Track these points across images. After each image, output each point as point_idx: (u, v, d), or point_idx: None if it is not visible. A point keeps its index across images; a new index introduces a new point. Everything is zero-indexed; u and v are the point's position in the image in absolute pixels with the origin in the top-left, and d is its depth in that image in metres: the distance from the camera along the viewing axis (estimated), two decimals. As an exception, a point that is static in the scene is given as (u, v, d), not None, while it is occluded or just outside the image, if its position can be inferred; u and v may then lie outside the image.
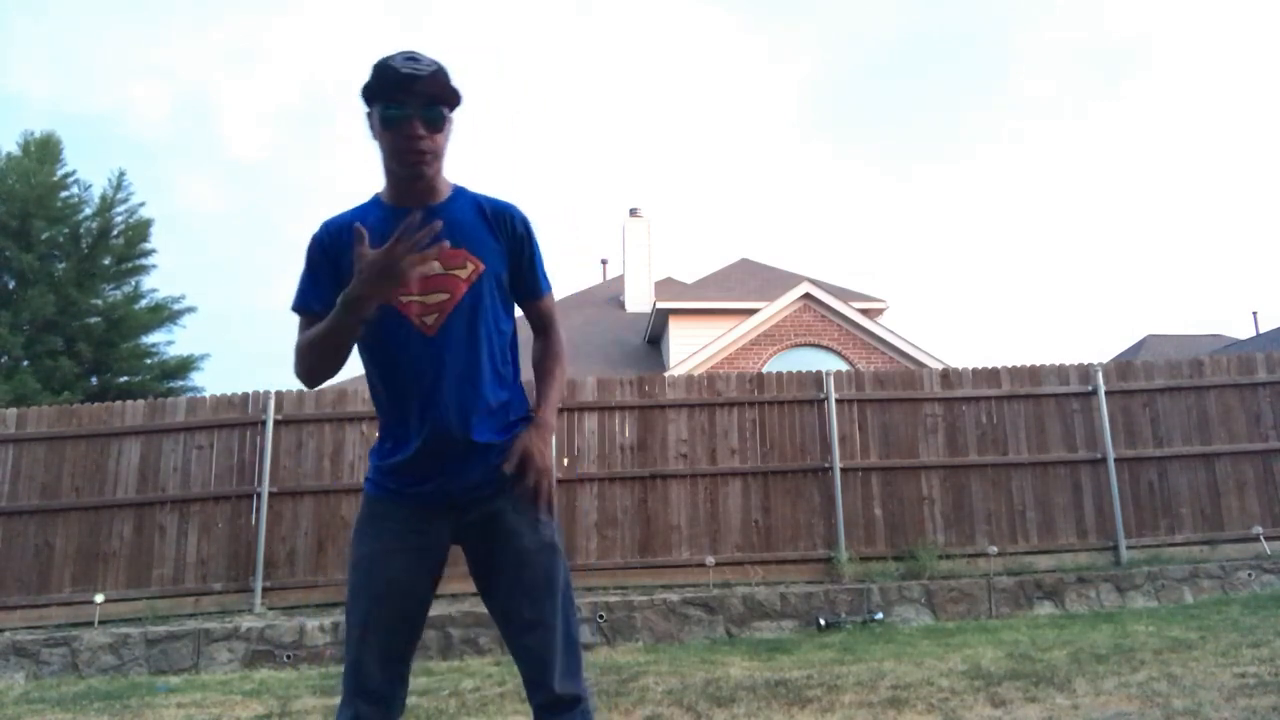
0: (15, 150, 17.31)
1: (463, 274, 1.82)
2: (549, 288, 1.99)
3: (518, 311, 1.98)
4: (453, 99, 1.81)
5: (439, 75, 1.78)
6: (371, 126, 1.82)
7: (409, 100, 1.74)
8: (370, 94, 1.79)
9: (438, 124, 1.79)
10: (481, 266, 1.84)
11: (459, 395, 1.81)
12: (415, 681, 5.43)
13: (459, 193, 1.91)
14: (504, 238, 1.89)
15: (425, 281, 1.80)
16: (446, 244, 1.73)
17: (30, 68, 41.84)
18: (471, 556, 1.87)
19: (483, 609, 2.04)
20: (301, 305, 1.86)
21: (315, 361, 1.80)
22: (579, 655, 1.82)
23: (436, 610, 6.84)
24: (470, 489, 1.82)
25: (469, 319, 1.83)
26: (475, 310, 1.83)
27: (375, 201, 1.90)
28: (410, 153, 1.78)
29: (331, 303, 1.74)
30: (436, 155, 1.82)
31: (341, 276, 1.76)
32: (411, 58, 1.77)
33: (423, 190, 1.85)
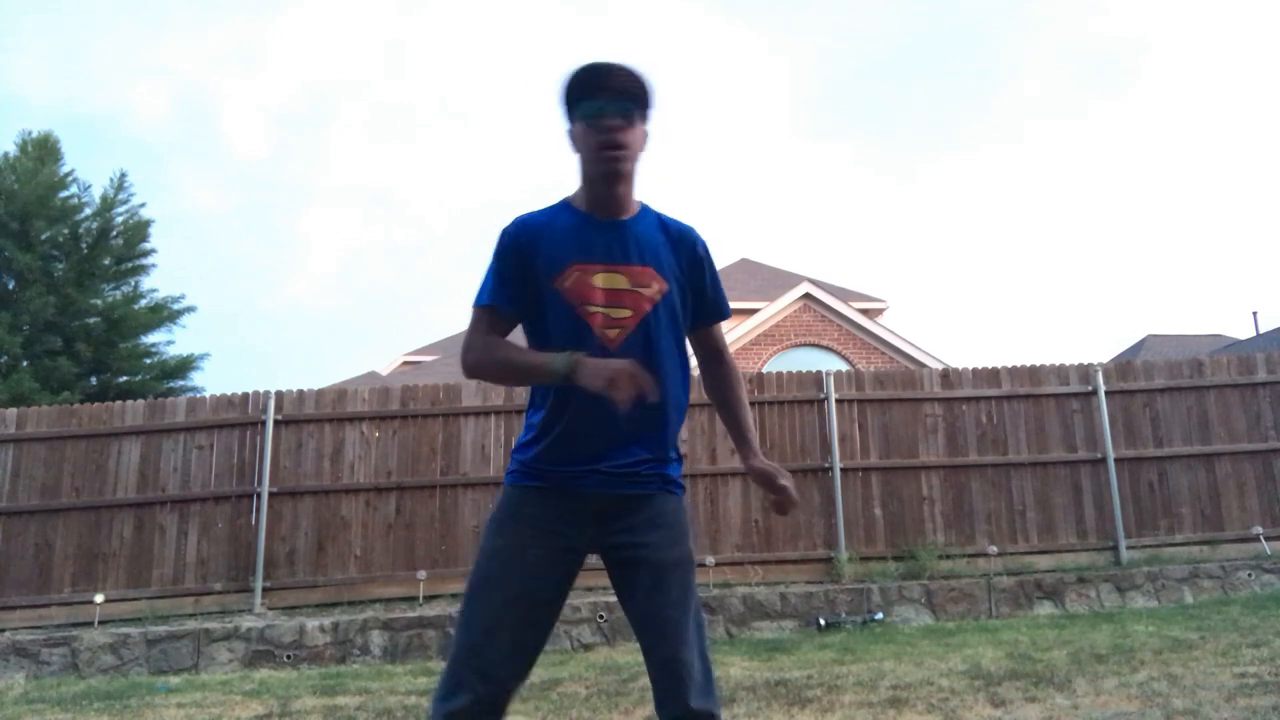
0: (14, 150, 17.31)
1: (648, 292, 1.83)
2: (725, 315, 1.99)
3: None
4: (647, 99, 1.83)
5: (634, 73, 1.81)
6: (571, 136, 1.85)
7: (606, 94, 1.77)
8: (570, 97, 1.81)
9: (632, 117, 1.80)
10: (666, 286, 1.85)
11: (633, 413, 1.76)
12: (416, 681, 5.44)
13: (645, 210, 1.92)
14: (685, 259, 1.89)
15: (611, 295, 1.81)
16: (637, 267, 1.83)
17: (31, 68, 41.84)
18: (613, 566, 1.84)
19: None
20: (488, 301, 1.85)
21: (499, 378, 1.96)
22: (713, 673, 1.79)
23: (438, 610, 6.86)
24: (620, 500, 1.82)
25: (650, 336, 1.83)
26: (657, 329, 1.84)
27: (564, 205, 1.90)
28: (608, 146, 1.78)
29: (517, 302, 1.83)
30: (632, 154, 1.82)
31: (529, 274, 1.81)
32: (610, 61, 1.82)
33: (618, 198, 1.85)
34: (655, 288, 1.83)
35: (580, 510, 1.81)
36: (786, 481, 1.93)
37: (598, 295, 1.80)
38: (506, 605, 1.74)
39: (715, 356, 2.02)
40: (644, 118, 1.83)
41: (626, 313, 1.81)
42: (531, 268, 1.82)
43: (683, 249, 1.90)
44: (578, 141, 1.83)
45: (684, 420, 1.96)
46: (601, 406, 1.72)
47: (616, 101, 1.78)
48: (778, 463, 8.67)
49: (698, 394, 8.26)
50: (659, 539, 1.80)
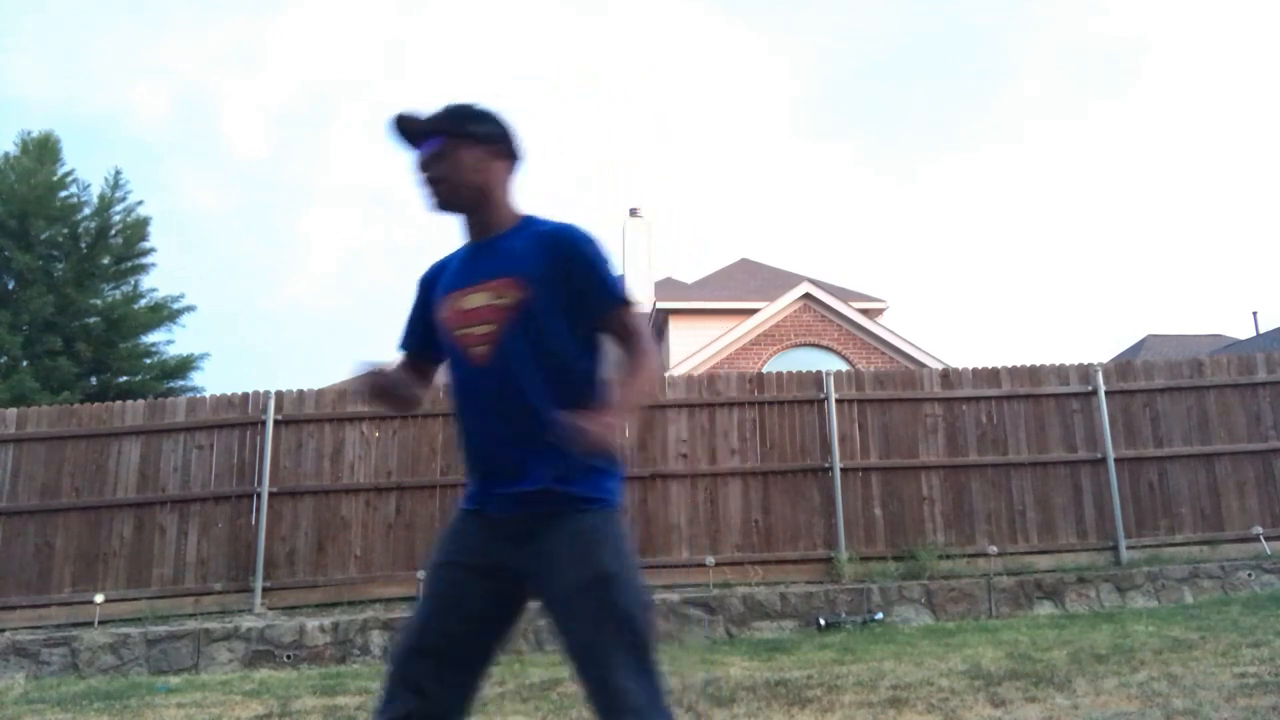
0: (14, 150, 17.32)
1: (504, 303, 1.82)
2: (617, 302, 1.85)
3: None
4: (449, 126, 1.86)
5: (431, 113, 1.88)
6: None
7: (410, 139, 1.88)
8: (403, 148, 1.92)
9: (436, 153, 1.86)
10: (527, 294, 1.81)
11: (509, 426, 1.79)
12: (415, 681, 5.43)
13: (523, 222, 1.93)
14: (555, 260, 1.84)
15: (474, 314, 1.84)
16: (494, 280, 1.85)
17: (31, 68, 41.85)
18: (532, 594, 1.81)
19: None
20: (401, 345, 2.06)
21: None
22: (660, 689, 1.67)
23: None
24: (523, 520, 1.77)
25: (515, 348, 1.80)
26: (520, 339, 1.80)
27: (464, 244, 2.01)
28: (423, 185, 1.88)
29: (417, 343, 2.02)
30: (450, 185, 1.86)
31: (429, 315, 1.95)
32: (406, 109, 1.91)
33: (478, 224, 1.92)
34: (513, 297, 1.81)
35: (495, 532, 1.80)
36: (589, 424, 1.61)
37: (463, 318, 1.85)
38: (432, 621, 1.77)
39: (622, 344, 1.89)
40: (450, 143, 1.86)
41: (489, 328, 1.82)
42: (429, 308, 1.97)
43: (550, 250, 1.85)
44: None
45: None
46: (475, 426, 1.82)
47: (418, 144, 1.88)
48: (777, 462, 8.47)
49: (698, 394, 8.16)
50: (565, 562, 1.71)
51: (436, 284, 1.97)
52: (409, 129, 1.88)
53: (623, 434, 1.70)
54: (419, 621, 1.78)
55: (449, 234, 2.00)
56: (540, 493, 1.76)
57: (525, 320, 1.80)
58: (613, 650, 1.64)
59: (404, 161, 1.92)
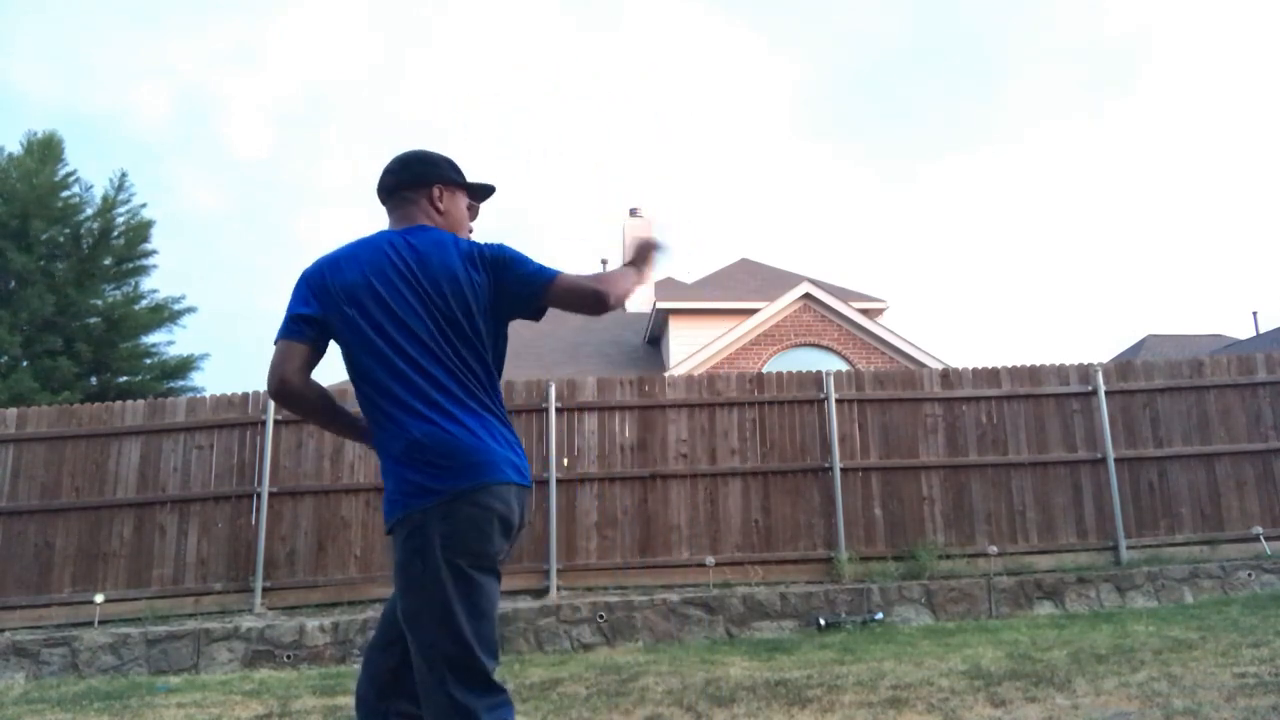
0: (17, 150, 17.29)
1: None
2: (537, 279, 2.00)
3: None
4: (384, 184, 2.11)
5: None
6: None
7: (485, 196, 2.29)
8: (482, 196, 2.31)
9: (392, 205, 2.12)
10: None
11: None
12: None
13: None
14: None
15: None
16: None
17: (32, 68, 41.85)
18: None
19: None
20: None
21: None
22: (440, 693, 1.73)
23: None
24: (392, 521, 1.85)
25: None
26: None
27: None
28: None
29: None
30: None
31: None
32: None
33: None
34: None
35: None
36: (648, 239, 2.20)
37: None
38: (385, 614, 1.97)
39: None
40: (392, 195, 2.13)
41: None
42: None
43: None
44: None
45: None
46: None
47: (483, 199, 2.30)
48: (777, 462, 8.55)
49: (698, 394, 8.14)
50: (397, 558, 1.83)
51: None
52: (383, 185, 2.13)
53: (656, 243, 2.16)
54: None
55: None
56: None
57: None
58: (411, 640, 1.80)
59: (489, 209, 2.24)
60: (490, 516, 1.77)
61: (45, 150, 17.37)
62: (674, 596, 6.98)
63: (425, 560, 1.73)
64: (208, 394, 8.47)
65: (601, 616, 6.79)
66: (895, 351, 14.64)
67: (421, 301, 1.86)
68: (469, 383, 1.87)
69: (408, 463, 1.79)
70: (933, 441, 8.00)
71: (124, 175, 17.87)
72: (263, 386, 7.86)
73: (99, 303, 16.99)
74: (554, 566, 7.39)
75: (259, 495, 7.52)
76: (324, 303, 1.90)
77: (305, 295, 1.92)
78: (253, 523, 7.50)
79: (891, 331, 14.86)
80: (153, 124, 55.53)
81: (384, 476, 1.85)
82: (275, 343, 1.90)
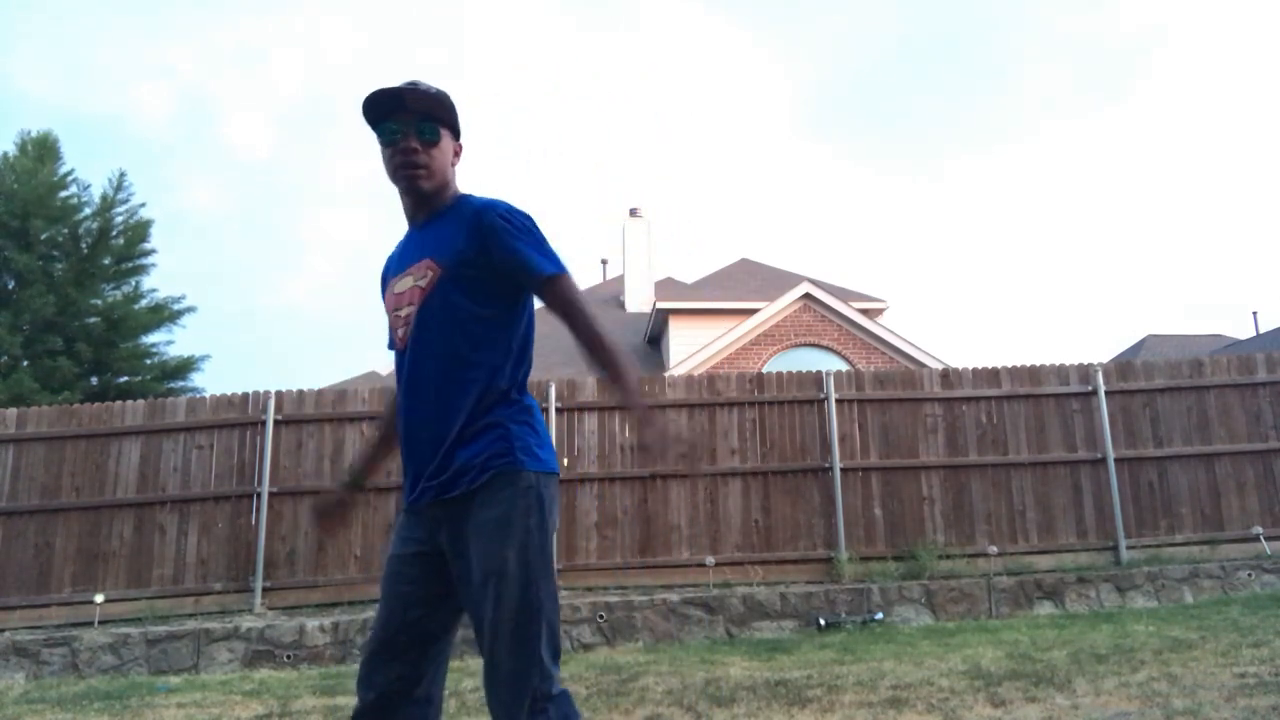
0: (13, 150, 17.28)
1: (423, 283, 1.83)
2: (541, 270, 1.80)
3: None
4: (447, 117, 1.88)
5: (432, 94, 1.86)
6: (381, 156, 1.90)
7: (403, 115, 1.83)
8: (371, 118, 1.86)
9: (432, 138, 1.85)
10: (439, 272, 1.81)
11: (423, 409, 1.80)
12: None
13: (456, 202, 1.92)
14: (471, 235, 1.82)
15: (399, 297, 1.88)
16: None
17: (32, 68, 41.83)
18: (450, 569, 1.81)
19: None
20: (387, 346, 2.00)
21: None
22: (522, 691, 1.64)
23: (436, 610, 6.85)
24: (445, 502, 1.77)
25: (429, 328, 1.81)
26: (435, 318, 1.81)
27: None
28: (404, 166, 1.84)
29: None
30: (432, 171, 1.86)
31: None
32: (410, 82, 1.86)
33: (424, 209, 1.91)
34: (430, 277, 1.83)
35: (424, 519, 1.83)
36: (652, 441, 1.71)
37: (394, 300, 1.89)
38: (381, 615, 1.84)
39: (561, 317, 1.84)
40: (443, 133, 1.88)
41: (409, 309, 1.85)
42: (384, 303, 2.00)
43: (472, 228, 1.83)
44: (383, 162, 1.89)
45: (509, 403, 1.82)
46: (402, 411, 1.85)
47: (410, 123, 1.83)
48: (777, 462, 8.53)
49: (698, 394, 8.14)
50: (474, 548, 1.71)
51: (385, 278, 2.00)
52: (417, 107, 1.83)
53: (673, 426, 1.76)
54: (376, 619, 1.85)
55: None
56: (449, 481, 1.76)
57: (437, 301, 1.81)
58: (494, 639, 1.66)
59: (375, 135, 1.86)
60: None
61: (41, 150, 17.36)
62: (674, 596, 6.98)
63: (545, 519, 1.73)
64: (208, 394, 8.49)
65: (601, 616, 6.79)
66: (895, 351, 14.64)
67: None
68: None
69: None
70: (933, 441, 8.00)
71: (122, 174, 17.85)
72: (263, 386, 7.90)
73: (99, 302, 16.99)
74: (554, 566, 7.38)
75: (259, 495, 7.52)
76: None
77: None
78: (253, 523, 7.50)
79: (891, 331, 14.86)
80: (153, 124, 55.54)
81: (533, 430, 1.81)
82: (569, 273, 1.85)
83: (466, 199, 1.92)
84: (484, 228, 1.82)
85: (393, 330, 1.90)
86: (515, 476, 1.73)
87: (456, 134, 1.93)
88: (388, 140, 1.85)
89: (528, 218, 1.86)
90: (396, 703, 1.79)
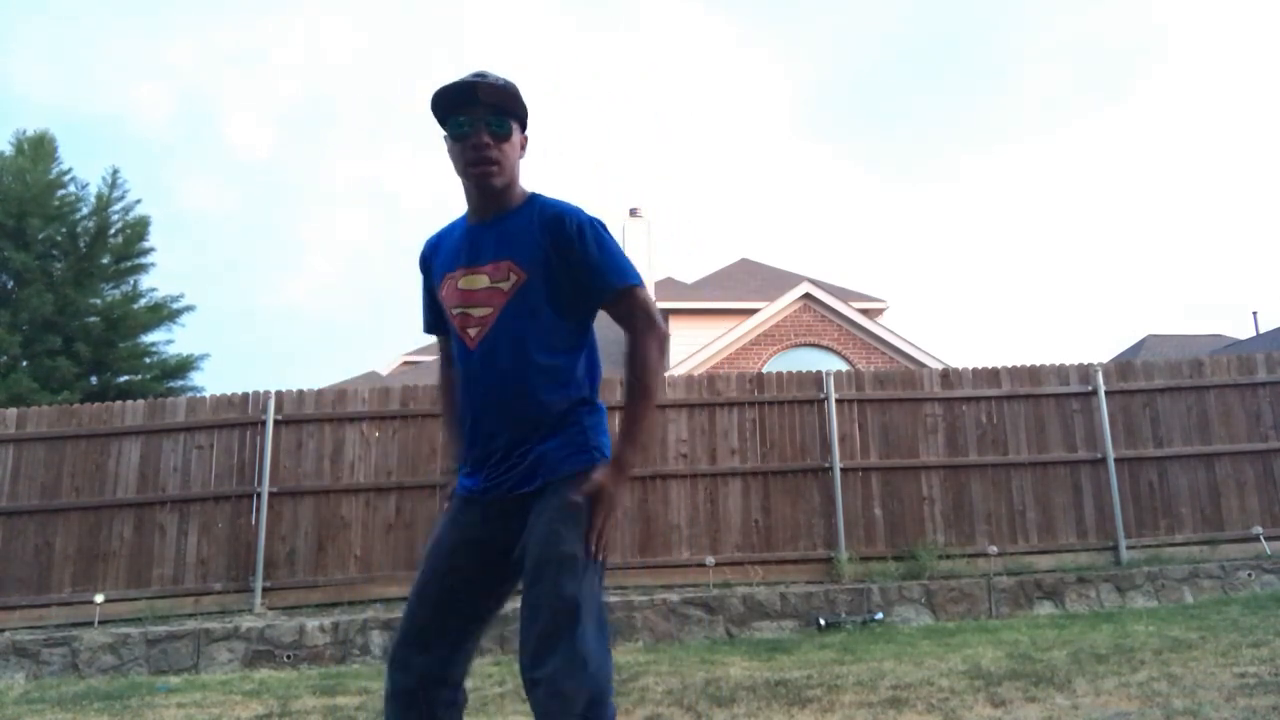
0: (9, 149, 17.26)
1: (505, 285, 1.83)
2: (618, 283, 1.84)
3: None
4: (517, 109, 1.87)
5: (501, 85, 1.83)
6: (448, 151, 1.89)
7: (474, 110, 1.81)
8: (440, 112, 1.85)
9: (504, 132, 1.83)
10: (524, 276, 1.82)
11: (500, 409, 1.83)
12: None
13: (528, 202, 1.91)
14: (552, 242, 1.83)
15: (472, 295, 1.86)
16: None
17: (33, 69, 41.82)
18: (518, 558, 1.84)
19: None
20: (426, 330, 2.08)
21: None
22: (560, 643, 1.70)
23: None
24: (517, 498, 1.83)
25: (512, 331, 1.82)
26: (518, 322, 1.82)
27: (462, 218, 1.98)
28: (476, 163, 1.83)
29: (439, 320, 1.99)
30: (504, 166, 1.85)
31: (432, 289, 1.98)
32: (479, 73, 1.84)
33: (493, 205, 1.89)
34: (513, 280, 1.83)
35: (487, 511, 1.87)
36: (579, 498, 1.80)
37: (463, 298, 1.87)
38: (417, 596, 1.89)
39: (625, 328, 1.88)
40: (514, 127, 1.87)
41: (486, 310, 1.84)
42: (431, 284, 1.98)
43: (551, 232, 1.84)
44: (451, 156, 1.87)
45: (588, 411, 1.93)
46: (467, 407, 1.88)
47: (481, 117, 1.82)
48: (777, 462, 8.49)
49: (698, 394, 8.14)
50: (544, 535, 1.79)
51: (434, 263, 1.98)
52: (490, 100, 1.82)
53: (622, 499, 1.84)
54: (417, 603, 1.88)
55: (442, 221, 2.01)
56: (524, 476, 1.82)
57: (521, 306, 1.82)
58: (543, 588, 1.73)
59: (442, 127, 1.85)
60: None
61: (37, 149, 17.34)
62: (674, 596, 6.98)
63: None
64: (208, 394, 8.48)
65: (601, 616, 6.78)
66: (895, 351, 14.64)
67: None
68: None
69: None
70: (933, 441, 8.00)
71: (115, 172, 17.66)
72: (263, 386, 7.91)
73: (98, 302, 16.98)
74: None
75: (259, 495, 7.52)
76: None
77: None
78: (253, 523, 7.50)
79: (891, 331, 14.87)
80: (153, 124, 55.54)
81: (605, 432, 1.92)
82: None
83: (539, 199, 1.91)
84: (566, 235, 1.83)
85: (460, 328, 1.88)
86: (591, 474, 1.82)
87: (524, 125, 1.91)
88: (458, 135, 1.83)
89: (605, 226, 1.90)
90: (431, 687, 1.80)
